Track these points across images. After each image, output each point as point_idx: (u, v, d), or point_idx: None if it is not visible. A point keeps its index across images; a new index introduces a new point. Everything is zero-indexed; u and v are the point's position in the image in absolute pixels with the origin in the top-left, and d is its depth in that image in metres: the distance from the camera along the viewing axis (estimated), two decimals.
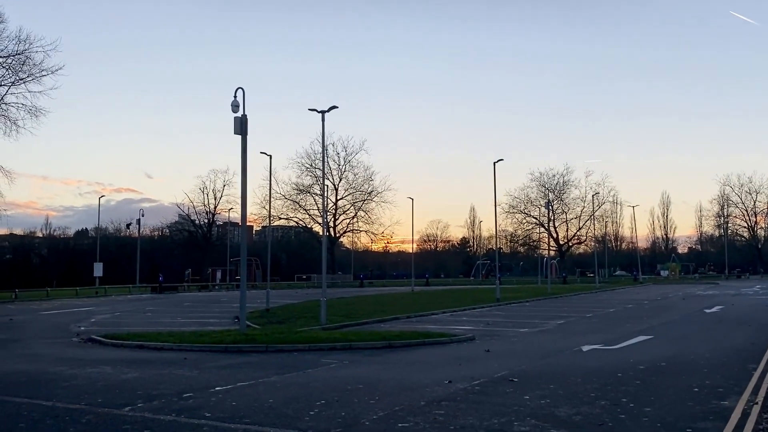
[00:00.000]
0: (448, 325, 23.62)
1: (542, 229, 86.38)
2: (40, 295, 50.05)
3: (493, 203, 43.97)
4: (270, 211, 40.03)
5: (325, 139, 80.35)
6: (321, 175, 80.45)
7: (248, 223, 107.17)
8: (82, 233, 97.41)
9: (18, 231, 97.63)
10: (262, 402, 10.09)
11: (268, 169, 37.29)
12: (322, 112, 24.44)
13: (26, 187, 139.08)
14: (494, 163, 41.09)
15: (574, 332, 21.42)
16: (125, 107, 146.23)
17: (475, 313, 30.32)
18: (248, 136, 20.18)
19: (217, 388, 11.29)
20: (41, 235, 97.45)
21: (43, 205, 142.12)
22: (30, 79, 39.59)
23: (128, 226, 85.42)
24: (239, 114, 19.89)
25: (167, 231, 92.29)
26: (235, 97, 19.79)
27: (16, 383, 12.11)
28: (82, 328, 23.77)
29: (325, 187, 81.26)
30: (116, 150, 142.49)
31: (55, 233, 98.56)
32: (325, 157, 23.99)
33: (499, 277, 42.90)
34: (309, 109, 24.90)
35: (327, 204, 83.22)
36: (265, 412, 9.38)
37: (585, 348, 16.63)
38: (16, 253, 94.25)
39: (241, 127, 19.86)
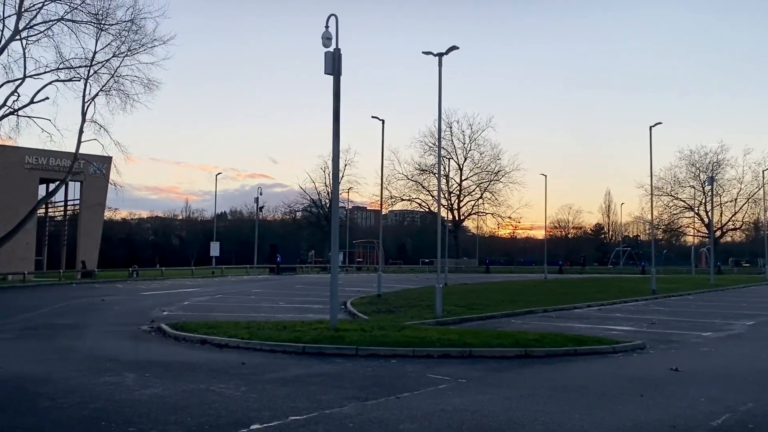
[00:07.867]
0: (598, 324, 18.39)
1: (691, 214, 77.06)
2: (155, 274, 48.90)
3: (650, 177, 37.28)
4: (382, 184, 35.74)
5: (450, 113, 75.57)
6: (442, 149, 75.76)
7: (370, 207, 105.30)
8: (219, 216, 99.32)
9: (160, 214, 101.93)
10: None
11: (384, 142, 32.94)
12: (439, 55, 19.73)
13: (168, 172, 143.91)
14: (650, 127, 34.36)
15: None
16: (244, 93, 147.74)
17: (629, 308, 24.62)
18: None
19: (252, 427, 7.06)
20: (181, 218, 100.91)
21: (184, 190, 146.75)
22: (142, 49, 37.26)
23: (261, 208, 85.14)
24: (331, 48, 15.60)
25: (296, 214, 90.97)
26: (326, 27, 15.51)
27: None
28: (164, 313, 20.64)
29: (448, 162, 76.61)
30: (247, 135, 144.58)
31: (193, 215, 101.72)
32: (442, 110, 19.55)
33: (643, 266, 36.50)
34: (423, 53, 20.30)
35: (450, 185, 78.42)
36: None
37: None
38: (158, 234, 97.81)
39: (333, 64, 15.53)
